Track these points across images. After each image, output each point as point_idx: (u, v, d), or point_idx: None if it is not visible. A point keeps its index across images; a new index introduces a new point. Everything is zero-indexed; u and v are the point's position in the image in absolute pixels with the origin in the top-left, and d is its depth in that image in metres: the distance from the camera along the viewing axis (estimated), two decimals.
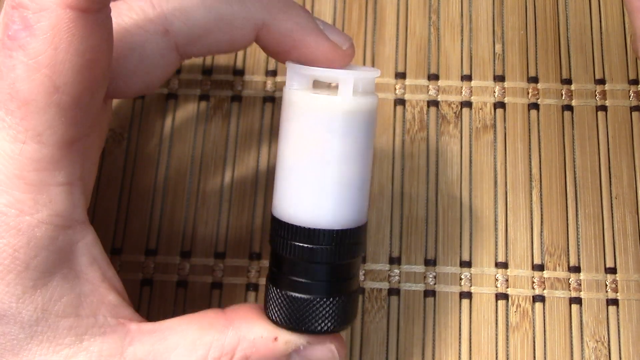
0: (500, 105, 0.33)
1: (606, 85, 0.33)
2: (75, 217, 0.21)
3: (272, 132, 0.33)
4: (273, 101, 0.33)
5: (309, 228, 0.21)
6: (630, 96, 0.33)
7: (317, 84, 0.23)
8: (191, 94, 0.34)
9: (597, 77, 0.33)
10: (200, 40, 0.24)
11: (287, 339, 0.22)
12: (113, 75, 0.23)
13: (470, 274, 0.30)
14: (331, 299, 0.22)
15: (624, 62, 0.33)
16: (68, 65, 0.19)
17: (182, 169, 0.32)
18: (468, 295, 0.30)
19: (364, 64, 0.34)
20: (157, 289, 0.31)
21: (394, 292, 0.30)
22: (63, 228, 0.20)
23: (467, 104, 0.33)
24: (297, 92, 0.22)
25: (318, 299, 0.22)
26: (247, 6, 0.24)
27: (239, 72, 0.34)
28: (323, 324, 0.22)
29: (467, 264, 0.31)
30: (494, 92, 0.33)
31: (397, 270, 0.31)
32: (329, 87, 0.23)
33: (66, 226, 0.21)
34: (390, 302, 0.30)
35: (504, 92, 0.33)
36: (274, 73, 0.34)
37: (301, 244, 0.21)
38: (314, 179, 0.21)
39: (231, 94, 0.34)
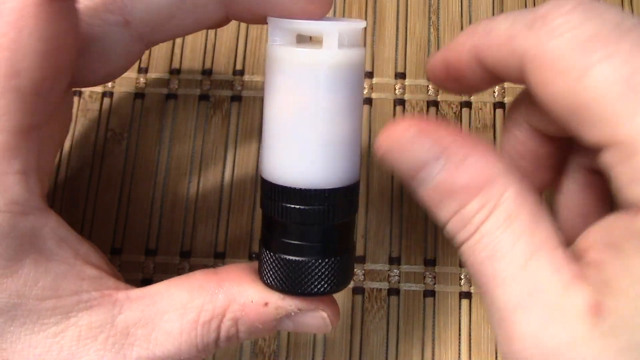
0: (500, 105, 0.33)
1: None
2: (33, 204, 0.21)
3: None
4: None
5: (300, 189, 0.21)
6: None
7: (301, 39, 0.22)
8: (191, 94, 0.34)
9: None
10: (164, 26, 0.23)
11: (278, 304, 0.22)
12: (76, 71, 0.23)
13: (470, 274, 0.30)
14: (325, 261, 0.21)
15: None
16: (31, 50, 0.19)
17: (182, 169, 0.32)
18: (468, 295, 0.30)
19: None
20: None
21: (393, 292, 0.30)
22: (22, 215, 0.20)
23: (467, 104, 0.33)
24: (280, 47, 0.21)
25: (312, 261, 0.21)
26: None
27: (239, 72, 0.34)
28: (318, 286, 0.21)
29: None
30: (494, 92, 0.33)
31: (396, 270, 0.31)
32: (312, 41, 0.23)
33: (25, 213, 0.20)
34: (390, 302, 0.30)
35: (504, 92, 0.33)
36: None
37: (292, 206, 0.21)
38: (302, 137, 0.21)
39: (231, 94, 0.34)
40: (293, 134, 0.21)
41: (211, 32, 0.35)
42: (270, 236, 0.22)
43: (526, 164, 0.24)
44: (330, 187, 0.21)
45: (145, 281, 0.31)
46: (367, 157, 0.32)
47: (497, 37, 0.19)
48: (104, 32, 0.23)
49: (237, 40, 0.35)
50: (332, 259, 0.21)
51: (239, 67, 0.34)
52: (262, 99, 0.34)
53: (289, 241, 0.21)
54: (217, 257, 0.31)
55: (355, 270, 0.31)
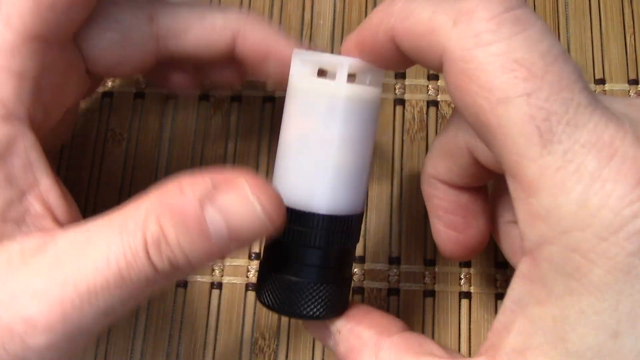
0: None
1: (606, 85, 0.33)
2: (17, 112, 0.21)
3: (272, 132, 0.33)
4: (273, 101, 0.33)
5: (302, 211, 0.21)
6: (630, 96, 0.33)
7: (327, 75, 0.23)
8: (191, 94, 0.34)
9: (597, 77, 0.33)
10: (181, 36, 0.25)
11: (193, 186, 0.19)
12: (93, 42, 0.24)
13: (470, 273, 0.30)
14: (322, 285, 0.22)
15: (624, 62, 0.33)
16: None
17: (182, 169, 0.32)
18: (467, 295, 0.30)
19: None
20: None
21: (393, 292, 0.30)
22: (2, 118, 0.20)
23: None
24: (297, 76, 0.22)
25: (309, 284, 0.21)
26: (227, 14, 0.25)
27: None
28: (312, 309, 0.22)
29: (466, 264, 0.31)
30: None
31: (396, 270, 0.31)
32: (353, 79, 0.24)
33: (5, 117, 0.20)
34: (389, 302, 0.30)
35: None
36: None
37: (295, 227, 0.21)
38: (309, 161, 0.21)
39: (231, 94, 0.34)
40: (300, 157, 0.21)
41: None
42: (271, 255, 0.23)
43: (457, 219, 0.24)
44: (332, 214, 0.21)
45: None
46: None
47: (417, 24, 0.18)
48: (130, 19, 0.24)
49: None
50: (329, 285, 0.22)
51: None
52: (262, 99, 0.34)
53: (289, 262, 0.22)
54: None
55: (355, 270, 0.31)
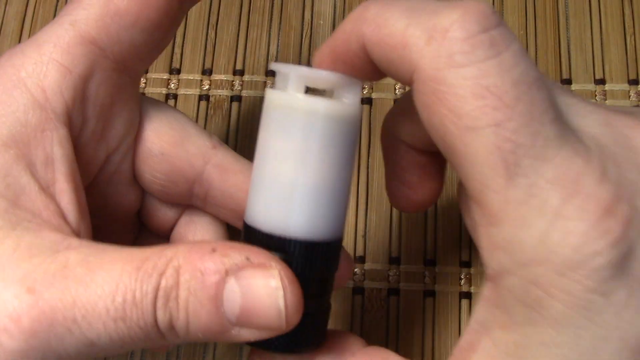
0: None
1: (606, 85, 0.33)
2: (54, 104, 0.20)
3: None
4: None
5: (278, 236, 0.20)
6: (630, 96, 0.33)
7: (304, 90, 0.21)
8: (191, 94, 0.34)
9: (597, 77, 0.33)
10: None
11: (227, 252, 0.19)
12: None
13: (470, 273, 0.30)
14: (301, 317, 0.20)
15: (624, 62, 0.33)
16: None
17: None
18: (468, 295, 0.30)
19: None
20: None
21: (393, 292, 0.30)
22: (38, 104, 0.20)
23: None
24: (272, 91, 0.21)
25: None
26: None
27: (239, 72, 0.34)
28: (286, 343, 0.20)
29: (466, 264, 0.31)
30: None
31: (396, 270, 0.31)
32: (331, 95, 0.22)
33: (41, 104, 0.20)
34: (389, 302, 0.30)
35: None
36: (274, 73, 0.34)
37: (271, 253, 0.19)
38: (285, 183, 0.20)
39: (231, 94, 0.34)
40: (275, 178, 0.20)
41: (211, 32, 0.35)
42: None
43: (412, 178, 0.23)
44: (311, 240, 0.20)
45: None
46: (367, 157, 0.32)
47: (389, 36, 0.17)
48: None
49: (237, 40, 0.35)
50: (306, 316, 0.20)
51: (239, 67, 0.34)
52: (262, 99, 0.33)
53: None
54: None
55: (355, 270, 0.31)
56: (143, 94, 0.34)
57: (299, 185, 0.20)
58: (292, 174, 0.20)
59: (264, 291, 0.18)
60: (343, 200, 0.21)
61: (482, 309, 0.18)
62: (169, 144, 0.23)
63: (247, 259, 0.18)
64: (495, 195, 0.16)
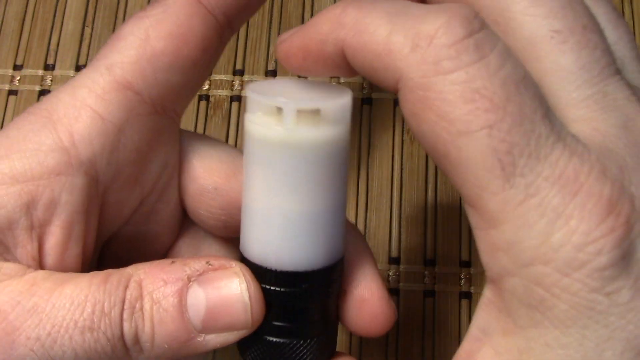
0: None
1: None
2: (79, 149, 0.20)
3: None
4: None
5: (277, 270, 0.19)
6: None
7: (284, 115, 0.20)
8: None
9: None
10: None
11: (186, 260, 0.19)
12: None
13: (470, 273, 0.30)
14: (304, 342, 0.20)
15: None
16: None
17: None
18: (468, 295, 0.30)
19: None
20: None
21: (393, 292, 0.30)
22: (61, 147, 0.20)
23: None
24: (247, 119, 0.20)
25: (291, 343, 0.20)
26: None
27: (239, 72, 0.34)
28: None
29: (466, 264, 0.31)
30: None
31: (396, 270, 0.31)
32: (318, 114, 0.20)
33: (64, 148, 0.20)
34: None
35: None
36: (273, 73, 0.34)
37: (269, 287, 0.20)
38: (278, 216, 0.19)
39: (231, 94, 0.34)
40: (268, 212, 0.19)
41: None
42: None
43: None
44: (311, 270, 0.20)
45: None
46: (367, 157, 0.32)
47: (371, 43, 0.17)
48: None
49: (237, 40, 0.35)
50: (314, 338, 0.20)
51: (239, 67, 0.34)
52: None
53: (269, 322, 0.20)
54: None
55: None
56: None
57: (290, 217, 0.19)
58: (282, 207, 0.19)
59: (228, 290, 0.19)
60: (339, 224, 0.20)
61: (482, 314, 0.18)
62: (221, 178, 0.23)
63: (207, 262, 0.19)
64: (494, 197, 0.16)
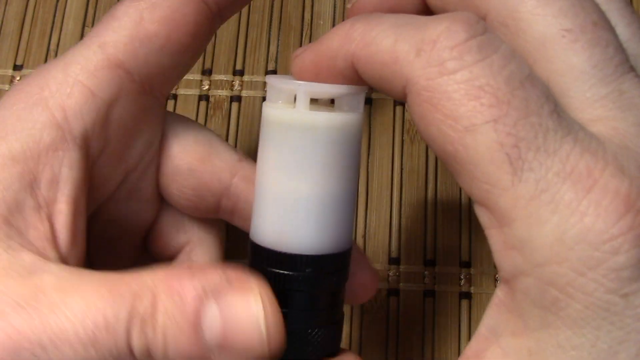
0: None
1: None
2: (72, 124, 0.20)
3: None
4: None
5: (285, 252, 0.19)
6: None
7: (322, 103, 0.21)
8: (191, 94, 0.34)
9: None
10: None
11: (204, 268, 0.19)
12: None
13: (470, 273, 0.30)
14: (309, 331, 0.20)
15: None
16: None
17: None
18: (468, 295, 0.30)
19: None
20: None
21: (393, 292, 0.30)
22: (55, 123, 0.20)
23: None
24: (269, 105, 0.21)
25: (294, 330, 0.19)
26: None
27: (239, 72, 0.34)
28: (301, 357, 0.20)
29: (466, 264, 0.31)
30: None
31: (396, 270, 0.31)
32: (329, 105, 0.22)
33: (58, 124, 0.20)
34: (389, 303, 0.30)
35: None
36: (273, 73, 0.34)
37: (276, 270, 0.20)
38: (289, 198, 0.20)
39: (231, 94, 0.34)
40: (279, 194, 0.20)
41: None
42: None
43: None
44: (319, 254, 0.20)
45: None
46: (367, 157, 0.32)
47: (379, 53, 0.18)
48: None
49: (237, 40, 0.35)
50: (320, 329, 0.20)
51: (239, 67, 0.34)
52: (262, 99, 0.34)
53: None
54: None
55: None
56: None
57: (303, 200, 0.19)
58: (295, 190, 0.19)
59: (245, 314, 0.18)
60: (349, 211, 0.20)
61: (493, 314, 0.18)
62: (197, 160, 0.23)
63: (226, 280, 0.18)
64: (504, 193, 0.16)
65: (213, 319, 0.18)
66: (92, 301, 0.18)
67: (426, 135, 0.17)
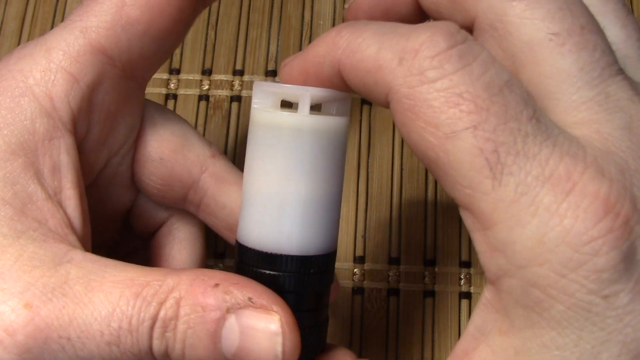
0: None
1: None
2: (61, 111, 0.20)
3: None
4: None
5: (270, 253, 0.20)
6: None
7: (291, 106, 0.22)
8: (191, 94, 0.34)
9: None
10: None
11: (230, 288, 0.19)
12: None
13: (470, 273, 0.30)
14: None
15: None
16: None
17: None
18: (467, 295, 0.30)
19: None
20: None
21: (393, 292, 0.30)
22: (46, 112, 0.20)
23: None
24: (259, 109, 0.21)
25: None
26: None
27: (239, 72, 0.34)
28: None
29: (466, 264, 0.31)
30: None
31: (396, 270, 0.31)
32: (319, 109, 0.22)
33: (49, 112, 0.20)
34: (389, 302, 0.30)
35: None
36: (273, 73, 0.34)
37: (262, 270, 0.20)
38: (276, 199, 0.20)
39: (231, 94, 0.34)
40: (265, 194, 0.20)
41: (211, 32, 0.35)
42: None
43: None
44: (304, 255, 0.20)
45: None
46: (367, 156, 0.32)
47: (363, 61, 0.18)
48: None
49: (237, 40, 0.35)
50: (303, 330, 0.20)
51: (239, 67, 0.34)
52: None
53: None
54: (217, 258, 0.31)
55: (355, 270, 0.31)
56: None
57: (289, 201, 0.20)
58: (282, 191, 0.20)
59: (263, 335, 0.18)
60: (335, 213, 0.21)
61: (481, 314, 0.18)
62: (169, 150, 0.24)
63: (250, 299, 0.19)
64: (485, 197, 0.16)
65: (232, 333, 0.18)
66: (117, 302, 0.18)
67: (409, 142, 0.18)
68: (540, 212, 0.16)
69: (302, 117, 0.20)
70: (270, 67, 0.34)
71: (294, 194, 0.20)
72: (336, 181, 0.21)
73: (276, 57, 0.34)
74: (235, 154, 0.33)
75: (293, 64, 0.21)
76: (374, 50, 0.18)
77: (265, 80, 0.34)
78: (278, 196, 0.20)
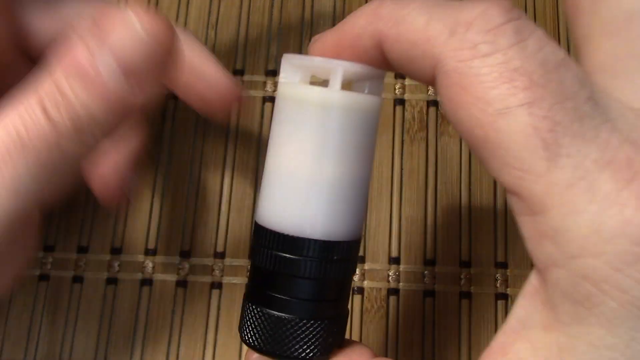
0: None
1: None
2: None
3: None
4: (273, 101, 0.33)
5: (292, 236, 0.19)
6: None
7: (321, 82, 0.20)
8: None
9: None
10: None
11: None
12: None
13: (470, 274, 0.30)
14: (312, 322, 0.19)
15: None
16: None
17: (182, 169, 0.32)
18: (467, 295, 0.30)
19: None
20: (157, 288, 0.31)
21: (393, 292, 0.30)
22: None
23: None
24: (286, 83, 0.20)
25: (298, 320, 0.19)
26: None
27: (239, 72, 0.34)
28: (303, 350, 0.19)
29: (466, 264, 0.31)
30: None
31: (396, 270, 0.31)
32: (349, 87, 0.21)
33: None
34: (389, 302, 0.30)
35: None
36: (273, 73, 0.34)
37: (282, 254, 0.19)
38: (301, 179, 0.19)
39: None
40: (289, 174, 0.19)
41: (211, 32, 0.35)
42: (256, 288, 0.20)
43: None
44: (328, 239, 0.19)
45: (145, 281, 0.31)
46: None
47: (410, 32, 0.17)
48: None
49: (237, 40, 0.35)
50: (323, 322, 0.19)
51: (239, 67, 0.34)
52: (261, 99, 0.34)
53: (276, 295, 0.19)
54: (216, 257, 0.31)
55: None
56: None
57: (315, 181, 0.19)
58: (308, 171, 0.19)
59: (123, 35, 0.18)
60: (362, 198, 0.20)
61: (523, 305, 0.17)
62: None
63: (95, 24, 0.18)
64: (538, 180, 0.15)
65: (105, 60, 0.18)
66: (6, 116, 0.18)
67: (454, 119, 0.17)
68: (599, 199, 0.14)
69: (333, 92, 0.18)
70: (271, 67, 0.34)
71: (320, 174, 0.19)
72: (365, 165, 0.19)
73: (276, 57, 0.34)
74: (235, 154, 0.33)
75: (326, 39, 0.19)
76: (423, 21, 0.17)
77: (265, 80, 0.34)
78: (303, 176, 0.19)
